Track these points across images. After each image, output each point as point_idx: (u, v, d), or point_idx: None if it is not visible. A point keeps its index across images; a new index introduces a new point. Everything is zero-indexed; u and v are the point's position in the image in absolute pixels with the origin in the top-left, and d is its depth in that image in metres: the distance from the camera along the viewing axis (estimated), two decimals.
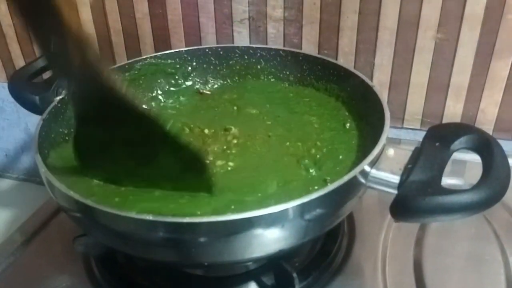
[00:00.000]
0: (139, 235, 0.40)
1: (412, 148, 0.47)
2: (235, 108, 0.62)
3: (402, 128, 0.76)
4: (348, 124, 0.58)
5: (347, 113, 0.60)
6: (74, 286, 0.52)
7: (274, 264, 0.49)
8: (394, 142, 0.74)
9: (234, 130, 0.56)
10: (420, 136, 0.73)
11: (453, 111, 0.72)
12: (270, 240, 0.42)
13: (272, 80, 0.68)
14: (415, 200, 0.40)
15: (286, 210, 0.40)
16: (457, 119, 0.73)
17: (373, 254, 0.55)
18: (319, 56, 0.65)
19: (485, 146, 0.44)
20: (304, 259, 0.53)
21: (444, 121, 0.73)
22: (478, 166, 0.43)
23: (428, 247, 0.56)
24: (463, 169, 0.68)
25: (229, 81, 0.69)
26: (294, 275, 0.46)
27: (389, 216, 0.57)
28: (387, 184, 0.44)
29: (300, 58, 0.65)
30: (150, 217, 0.38)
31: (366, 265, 0.54)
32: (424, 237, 0.58)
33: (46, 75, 0.64)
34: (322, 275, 0.51)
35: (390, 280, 0.52)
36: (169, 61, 0.67)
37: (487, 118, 0.71)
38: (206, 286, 0.52)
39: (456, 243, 0.57)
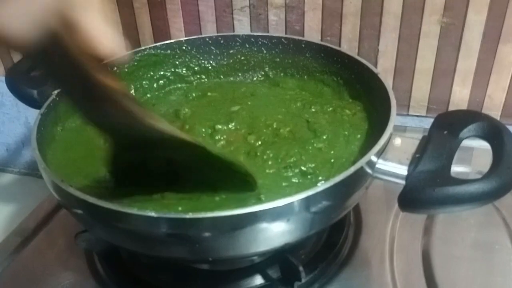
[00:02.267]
0: (141, 232, 0.39)
1: (418, 135, 0.45)
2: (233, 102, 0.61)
3: (407, 115, 0.74)
4: (352, 113, 0.56)
5: (351, 102, 0.59)
6: (77, 283, 0.51)
7: (280, 257, 0.48)
8: (399, 129, 0.72)
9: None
10: (426, 123, 0.72)
11: (460, 97, 0.71)
12: (275, 234, 0.41)
13: (273, 69, 0.66)
14: (424, 191, 0.39)
15: (292, 203, 0.39)
16: (464, 105, 0.71)
17: (380, 245, 0.54)
18: (322, 43, 0.63)
19: (495, 134, 0.42)
20: (310, 251, 0.52)
21: (451, 107, 0.72)
22: (485, 153, 0.42)
23: (436, 237, 0.55)
24: (470, 156, 0.66)
25: (229, 74, 0.67)
26: (301, 268, 0.46)
27: (396, 206, 0.56)
28: (395, 174, 0.43)
29: (303, 45, 0.64)
30: (152, 214, 0.37)
31: (373, 256, 0.53)
32: (432, 226, 0.56)
33: None
34: (328, 267, 0.50)
35: (398, 270, 0.51)
36: (169, 51, 0.65)
37: (494, 104, 0.70)
38: (211, 281, 0.51)
39: (465, 232, 0.56)
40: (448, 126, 0.45)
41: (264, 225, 0.39)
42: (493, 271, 0.51)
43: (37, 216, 0.60)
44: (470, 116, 0.45)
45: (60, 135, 0.54)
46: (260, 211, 0.38)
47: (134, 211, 0.37)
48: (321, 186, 0.39)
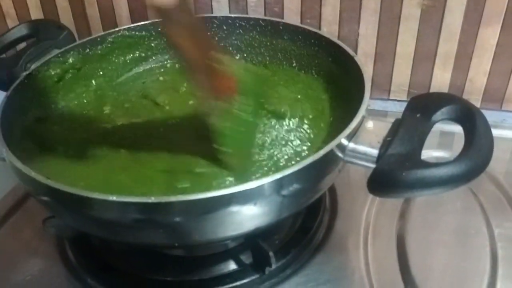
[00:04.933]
0: (105, 216, 0.38)
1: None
2: None
3: (388, 99, 0.74)
4: (327, 97, 0.56)
5: (327, 86, 0.58)
6: (47, 270, 0.50)
7: (251, 242, 0.47)
8: (380, 114, 0.72)
9: None
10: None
11: (441, 81, 0.70)
12: (244, 218, 0.40)
13: (250, 52, 0.65)
14: (392, 174, 0.39)
15: (261, 186, 0.38)
16: (445, 89, 0.71)
17: (356, 230, 0.53)
18: (300, 25, 0.62)
19: (467, 117, 0.42)
20: (284, 236, 0.51)
21: (432, 91, 0.71)
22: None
23: (412, 221, 0.55)
24: (451, 141, 0.66)
25: None
26: (271, 253, 0.45)
27: None
28: (365, 158, 0.42)
29: (281, 27, 0.62)
30: (113, 198, 0.36)
31: (348, 242, 0.52)
32: (408, 211, 0.56)
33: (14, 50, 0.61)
34: (302, 253, 0.50)
35: (372, 256, 0.51)
36: (144, 33, 0.64)
37: (475, 88, 0.69)
38: (184, 266, 0.50)
39: (441, 217, 0.56)
40: (421, 109, 0.44)
41: (231, 209, 0.38)
42: (467, 256, 0.51)
43: (6, 202, 0.59)
44: (444, 99, 0.44)
45: (29, 119, 0.52)
46: (227, 194, 0.37)
47: (95, 195, 0.36)
48: (290, 168, 0.39)
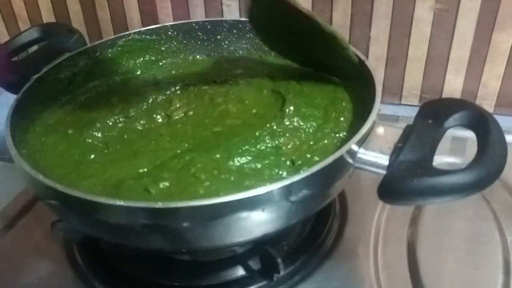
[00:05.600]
0: (111, 221, 0.38)
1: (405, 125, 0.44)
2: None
3: (399, 104, 0.73)
4: (342, 103, 0.55)
5: (341, 91, 0.57)
6: (55, 273, 0.50)
7: (260, 248, 0.47)
8: (391, 119, 0.71)
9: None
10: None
11: (453, 86, 0.69)
12: (252, 224, 0.39)
13: (262, 56, 0.64)
14: (403, 181, 0.38)
15: (270, 192, 0.37)
16: (458, 94, 0.70)
17: (365, 237, 0.53)
18: None
19: (480, 123, 0.41)
20: (293, 242, 0.51)
21: (444, 96, 0.70)
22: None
23: (423, 228, 0.54)
24: (463, 147, 0.65)
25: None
26: (279, 260, 0.44)
27: None
28: (376, 164, 0.42)
29: None
30: (120, 203, 0.36)
31: (357, 248, 0.51)
32: (419, 217, 0.55)
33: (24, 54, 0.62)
34: (310, 259, 0.49)
35: (382, 263, 0.50)
36: (154, 36, 0.64)
37: (488, 93, 0.68)
38: (192, 272, 0.50)
39: (453, 223, 0.55)
40: (433, 115, 0.43)
41: (239, 216, 0.38)
42: (480, 264, 0.50)
43: (16, 204, 0.59)
44: (456, 105, 0.44)
45: (38, 123, 0.52)
46: (235, 200, 0.36)
47: (101, 200, 0.36)
48: (300, 175, 0.38)
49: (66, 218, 0.44)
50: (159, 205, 0.35)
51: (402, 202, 0.40)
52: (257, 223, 0.39)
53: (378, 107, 0.46)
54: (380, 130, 0.44)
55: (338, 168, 0.41)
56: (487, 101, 0.69)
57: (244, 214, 0.38)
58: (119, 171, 0.45)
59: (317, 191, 0.41)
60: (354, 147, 0.42)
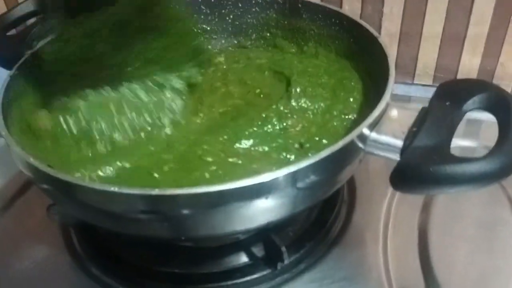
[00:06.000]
0: (106, 208, 0.36)
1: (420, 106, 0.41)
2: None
3: (412, 84, 0.70)
4: (350, 82, 0.52)
5: (350, 70, 0.54)
6: (51, 258, 0.49)
7: (263, 235, 0.44)
8: (403, 99, 0.68)
9: None
10: (431, 93, 0.67)
11: (469, 66, 0.66)
12: (255, 212, 0.37)
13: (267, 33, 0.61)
14: (418, 168, 0.35)
15: (275, 179, 0.35)
16: (474, 75, 0.66)
17: (374, 223, 0.50)
18: (320, 3, 0.58)
19: (502, 106, 0.38)
20: (299, 228, 0.48)
21: (459, 76, 0.67)
22: (495, 126, 0.38)
23: (435, 215, 0.51)
24: (478, 129, 0.62)
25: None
26: (283, 249, 0.42)
27: None
28: (389, 149, 0.39)
29: (300, 5, 0.58)
30: (115, 189, 0.33)
31: (366, 236, 0.49)
32: (431, 203, 0.53)
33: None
34: (316, 247, 0.47)
35: (392, 251, 0.48)
36: None
37: (506, 73, 0.65)
38: (192, 258, 0.48)
39: (467, 210, 0.53)
40: (451, 97, 0.40)
41: (242, 203, 0.35)
42: (494, 253, 0.48)
43: (13, 185, 0.57)
44: (476, 86, 0.40)
45: (32, 101, 0.50)
46: (237, 188, 0.34)
47: (95, 186, 0.34)
48: (307, 160, 0.35)
49: (60, 203, 0.41)
50: (156, 192, 0.33)
51: (416, 191, 0.37)
52: (261, 210, 0.37)
53: (392, 87, 0.43)
54: (393, 112, 0.41)
55: (348, 153, 0.39)
56: (505, 82, 0.65)
57: (247, 202, 0.35)
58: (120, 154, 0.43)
59: (326, 177, 0.38)
60: (366, 131, 0.39)
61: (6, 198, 0.56)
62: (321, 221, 0.49)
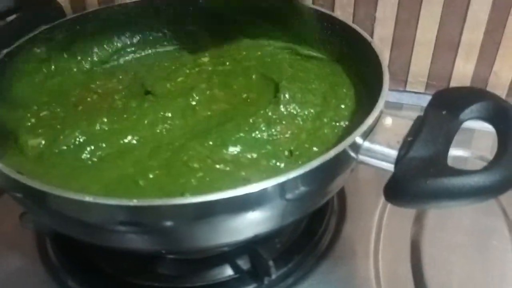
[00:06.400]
0: (82, 219, 0.33)
1: (415, 115, 0.39)
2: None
3: (404, 91, 0.68)
4: (342, 89, 0.50)
5: (341, 75, 0.52)
6: (24, 268, 0.46)
7: (249, 248, 0.42)
8: (395, 107, 0.67)
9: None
10: (424, 100, 0.66)
11: (463, 73, 0.64)
12: (242, 225, 0.35)
13: (259, 35, 0.59)
14: (414, 181, 0.33)
15: (263, 190, 0.33)
16: (467, 82, 0.65)
17: (366, 235, 0.49)
18: (312, 6, 0.56)
19: (501, 117, 0.36)
20: (286, 240, 0.46)
21: (452, 84, 0.66)
22: (488, 135, 0.37)
23: (428, 226, 0.50)
24: (469, 138, 0.61)
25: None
26: (271, 263, 0.40)
27: None
28: (383, 158, 0.37)
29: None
30: (90, 199, 0.31)
31: (357, 248, 0.47)
32: (424, 214, 0.51)
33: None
34: (305, 260, 0.45)
35: (384, 264, 0.46)
36: (140, 10, 0.58)
37: (500, 81, 0.64)
38: (175, 270, 0.46)
39: (460, 220, 0.51)
40: (447, 106, 0.39)
41: (228, 215, 0.33)
42: (489, 266, 0.47)
43: None
44: (474, 95, 0.39)
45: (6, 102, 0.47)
46: (223, 199, 0.32)
47: (70, 195, 0.31)
48: (297, 170, 0.33)
49: (33, 213, 0.39)
50: (134, 202, 0.31)
51: (412, 204, 0.35)
52: (248, 223, 0.35)
53: (386, 95, 0.41)
54: (387, 121, 0.39)
55: (340, 163, 0.37)
56: (498, 90, 0.64)
57: (233, 214, 0.33)
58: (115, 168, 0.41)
59: (317, 188, 0.36)
60: (359, 140, 0.37)
61: None
62: (310, 233, 0.47)
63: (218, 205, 0.32)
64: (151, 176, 0.39)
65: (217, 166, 0.40)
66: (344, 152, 0.36)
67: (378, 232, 0.49)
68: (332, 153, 0.35)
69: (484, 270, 0.46)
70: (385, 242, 0.48)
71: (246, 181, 0.38)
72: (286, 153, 0.42)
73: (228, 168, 0.40)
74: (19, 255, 0.47)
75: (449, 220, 0.51)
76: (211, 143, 0.42)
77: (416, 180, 0.33)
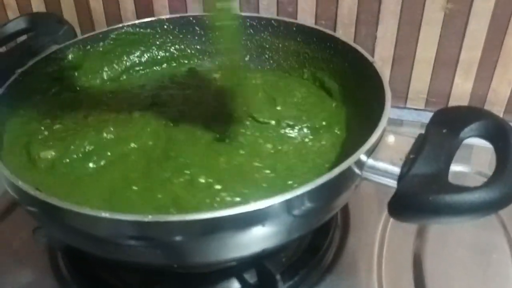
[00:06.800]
0: (96, 234, 0.34)
1: (414, 131, 0.41)
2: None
3: (404, 108, 0.70)
4: (342, 105, 0.52)
5: (342, 94, 0.54)
6: (36, 282, 0.47)
7: (256, 262, 0.43)
8: (395, 123, 0.68)
9: None
10: (424, 117, 0.68)
11: (462, 90, 0.66)
12: (251, 240, 0.36)
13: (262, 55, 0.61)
14: (417, 198, 0.35)
15: (271, 206, 0.34)
16: (466, 99, 0.67)
17: (369, 249, 0.50)
18: (314, 26, 0.58)
19: (500, 135, 0.38)
20: (292, 254, 0.47)
21: (451, 100, 0.67)
22: (486, 151, 0.38)
23: (429, 240, 0.51)
24: (469, 154, 0.62)
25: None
26: (278, 277, 0.41)
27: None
28: (386, 175, 0.38)
29: (294, 28, 0.58)
30: (106, 215, 0.32)
31: (360, 262, 0.48)
32: (425, 228, 0.52)
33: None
34: (310, 274, 0.46)
35: (386, 278, 0.47)
36: (149, 30, 0.60)
37: (498, 98, 0.65)
38: (184, 283, 0.47)
39: (461, 235, 0.52)
40: (448, 124, 0.40)
41: (237, 231, 0.34)
42: (489, 278, 0.47)
43: None
44: (473, 114, 0.40)
45: (20, 120, 0.49)
46: (233, 215, 0.33)
47: (86, 211, 0.33)
48: (304, 187, 0.35)
49: (47, 227, 0.40)
50: (149, 218, 0.32)
51: (414, 220, 0.37)
52: (257, 238, 0.36)
53: (389, 112, 0.42)
54: (390, 139, 0.40)
55: (345, 180, 0.38)
56: (496, 107, 0.66)
57: (243, 230, 0.34)
58: (116, 175, 0.42)
59: (322, 204, 0.38)
60: (363, 157, 0.38)
61: None
62: (315, 247, 0.48)
63: (229, 220, 0.33)
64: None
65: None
66: (349, 169, 0.37)
67: (380, 246, 0.50)
68: (337, 170, 0.36)
69: (485, 284, 0.47)
70: (387, 256, 0.49)
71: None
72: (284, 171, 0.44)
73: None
74: (31, 268, 0.48)
75: (450, 234, 0.52)
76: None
77: (419, 197, 0.35)
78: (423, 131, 0.40)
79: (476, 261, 0.49)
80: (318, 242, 0.48)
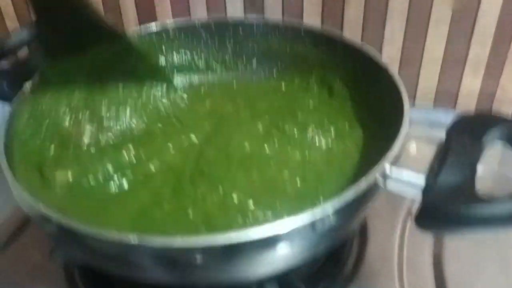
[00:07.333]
0: (120, 257, 0.34)
1: (424, 131, 0.40)
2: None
3: (413, 107, 0.69)
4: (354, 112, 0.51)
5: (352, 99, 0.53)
6: None
7: (280, 275, 0.43)
8: None
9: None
10: (432, 116, 0.67)
11: (470, 88, 0.66)
12: (275, 260, 0.36)
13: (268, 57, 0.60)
14: (447, 209, 0.34)
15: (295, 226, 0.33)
16: (474, 97, 0.66)
17: (388, 256, 0.49)
18: (324, 29, 0.57)
19: None
20: (312, 265, 0.47)
21: (460, 99, 0.67)
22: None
23: (449, 243, 0.50)
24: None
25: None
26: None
27: (404, 211, 0.51)
28: (411, 185, 0.38)
29: (302, 33, 0.57)
30: (135, 239, 0.31)
31: (380, 270, 0.48)
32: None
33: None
34: (331, 285, 0.46)
35: (408, 285, 0.46)
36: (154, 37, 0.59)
37: (507, 96, 0.65)
38: None
39: (481, 236, 0.51)
40: (468, 130, 0.39)
41: (263, 252, 0.34)
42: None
43: (11, 223, 0.54)
44: (493, 119, 0.40)
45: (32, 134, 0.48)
46: (261, 239, 0.33)
47: (112, 235, 0.32)
48: (330, 204, 0.34)
49: (69, 251, 0.39)
50: (179, 242, 0.31)
51: (443, 230, 0.36)
52: (282, 257, 0.36)
53: (408, 117, 0.42)
54: (412, 147, 0.40)
55: (370, 192, 0.37)
56: (505, 105, 0.65)
57: (269, 250, 0.34)
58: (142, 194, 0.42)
59: (348, 219, 0.37)
60: (387, 167, 0.38)
61: (5, 235, 0.53)
62: (335, 257, 0.48)
63: (256, 242, 0.33)
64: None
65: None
66: (374, 181, 0.36)
67: (400, 253, 0.49)
68: (363, 184, 0.35)
69: (509, 284, 0.47)
70: (408, 262, 0.49)
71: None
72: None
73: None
74: (48, 285, 0.47)
75: (471, 238, 0.51)
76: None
77: (448, 209, 0.34)
78: (432, 131, 0.40)
79: (497, 260, 0.49)
80: (338, 251, 0.48)
